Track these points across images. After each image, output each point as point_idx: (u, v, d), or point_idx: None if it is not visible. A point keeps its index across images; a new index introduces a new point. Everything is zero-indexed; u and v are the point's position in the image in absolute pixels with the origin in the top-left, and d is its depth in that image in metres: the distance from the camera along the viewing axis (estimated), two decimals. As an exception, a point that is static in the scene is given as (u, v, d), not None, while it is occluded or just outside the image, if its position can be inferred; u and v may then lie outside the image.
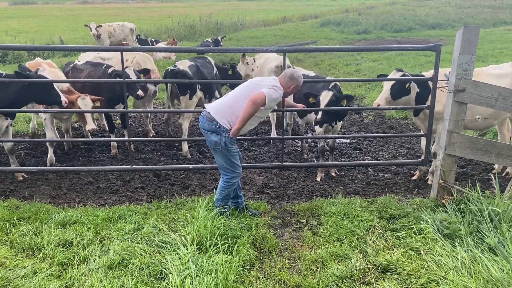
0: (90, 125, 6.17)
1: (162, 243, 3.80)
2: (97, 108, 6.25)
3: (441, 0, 40.06)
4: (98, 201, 5.19)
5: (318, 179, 5.89)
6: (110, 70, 6.61)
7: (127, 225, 4.19)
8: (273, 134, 7.50)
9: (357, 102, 9.85)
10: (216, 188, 4.46)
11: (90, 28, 16.62)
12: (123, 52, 5.42)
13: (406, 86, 5.34)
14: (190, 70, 6.70)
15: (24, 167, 5.99)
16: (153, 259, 3.54)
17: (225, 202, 4.33)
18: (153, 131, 7.93)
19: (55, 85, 5.56)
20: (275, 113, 7.31)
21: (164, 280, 3.30)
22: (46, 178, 5.86)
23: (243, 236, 3.94)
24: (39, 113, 6.37)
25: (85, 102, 5.99)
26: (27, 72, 5.63)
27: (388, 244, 3.81)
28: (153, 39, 17.52)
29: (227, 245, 3.73)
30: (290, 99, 6.47)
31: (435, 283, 3.17)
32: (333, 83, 5.63)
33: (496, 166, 5.96)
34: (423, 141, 5.67)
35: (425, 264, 3.41)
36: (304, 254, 3.79)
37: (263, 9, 43.67)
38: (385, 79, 5.52)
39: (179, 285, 3.16)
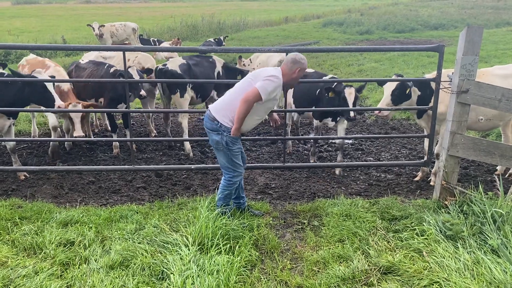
0: (78, 132, 6.18)
1: (164, 243, 3.79)
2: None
3: (443, 1, 39.97)
4: (100, 201, 5.19)
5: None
6: (112, 70, 6.62)
7: (129, 225, 4.19)
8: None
9: (359, 102, 9.83)
10: (218, 188, 4.45)
11: (93, 28, 16.64)
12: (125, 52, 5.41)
13: (407, 92, 5.33)
14: (180, 69, 6.73)
15: (26, 167, 5.99)
16: (155, 259, 3.54)
17: (227, 201, 4.31)
18: (155, 131, 7.93)
19: (56, 85, 5.54)
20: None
21: (166, 280, 3.29)
22: (48, 177, 5.87)
23: (244, 236, 3.94)
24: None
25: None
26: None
27: (390, 245, 3.80)
28: (155, 39, 17.51)
29: (228, 245, 3.73)
30: (289, 95, 6.52)
31: (438, 285, 3.16)
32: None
33: (499, 168, 5.93)
34: (426, 142, 5.65)
35: (427, 266, 3.39)
36: (306, 255, 3.77)
37: (265, 9, 43.66)
38: (388, 80, 5.52)
39: (180, 286, 3.15)
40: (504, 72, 5.38)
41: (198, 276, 3.24)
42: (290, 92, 6.66)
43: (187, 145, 6.80)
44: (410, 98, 5.42)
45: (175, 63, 6.86)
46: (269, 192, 5.52)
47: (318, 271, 3.54)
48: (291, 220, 4.51)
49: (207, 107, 8.27)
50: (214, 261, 3.44)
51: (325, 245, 3.89)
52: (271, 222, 4.42)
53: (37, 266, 3.50)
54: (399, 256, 3.54)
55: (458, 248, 3.55)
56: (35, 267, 3.48)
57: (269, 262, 3.70)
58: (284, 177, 6.01)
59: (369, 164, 6.19)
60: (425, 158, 5.55)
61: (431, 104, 5.20)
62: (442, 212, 4.21)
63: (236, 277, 3.34)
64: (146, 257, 3.57)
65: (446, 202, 4.41)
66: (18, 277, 3.34)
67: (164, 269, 3.39)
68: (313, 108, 6.15)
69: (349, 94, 5.60)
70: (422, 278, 3.26)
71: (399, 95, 5.37)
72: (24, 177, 5.82)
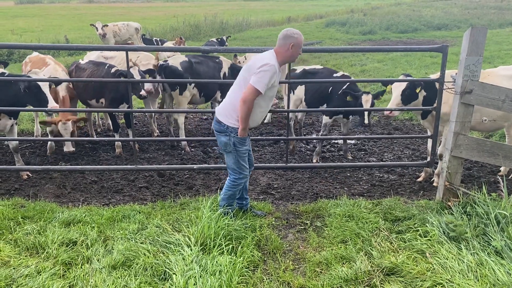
0: (68, 148, 6.30)
1: (166, 243, 3.79)
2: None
3: (446, 1, 39.87)
4: (102, 201, 5.19)
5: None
6: (113, 70, 6.60)
7: (131, 225, 4.18)
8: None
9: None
10: (220, 189, 4.44)
11: (96, 28, 16.67)
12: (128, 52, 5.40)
13: (418, 91, 5.33)
14: (182, 66, 6.73)
15: (28, 166, 6.01)
16: (157, 259, 3.53)
17: (230, 202, 4.30)
18: (157, 131, 7.93)
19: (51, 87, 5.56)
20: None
21: (168, 280, 3.29)
22: (51, 177, 5.88)
23: (247, 237, 3.93)
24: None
25: (65, 127, 6.12)
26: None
27: (393, 246, 3.78)
28: (158, 39, 17.52)
29: (231, 246, 3.72)
30: (300, 92, 6.60)
31: (441, 287, 3.14)
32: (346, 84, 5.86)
33: (502, 169, 5.91)
34: (429, 142, 5.64)
35: (430, 267, 3.37)
36: (309, 255, 3.76)
37: (268, 9, 43.65)
38: (395, 80, 5.55)
39: (182, 286, 3.15)
40: (510, 73, 5.37)
41: (200, 276, 3.24)
42: (301, 88, 6.66)
43: (183, 142, 6.94)
44: (417, 98, 5.42)
45: (176, 60, 6.86)
46: (272, 192, 5.51)
47: (321, 272, 3.53)
48: (294, 221, 4.50)
49: (211, 107, 8.32)
50: (216, 262, 3.43)
51: (328, 246, 3.88)
52: (273, 222, 4.41)
53: (40, 265, 3.50)
54: (402, 257, 3.53)
55: (461, 249, 3.53)
56: (37, 266, 3.48)
57: (272, 262, 3.70)
58: (286, 177, 6.00)
59: (372, 164, 6.18)
60: (428, 159, 5.53)
61: (435, 105, 5.19)
62: (445, 213, 4.19)
63: (239, 277, 3.34)
64: (148, 257, 3.57)
65: (449, 203, 4.39)
66: (21, 276, 3.35)
67: (167, 269, 3.39)
68: (320, 108, 6.24)
69: (366, 101, 5.67)
70: (425, 280, 3.24)
71: (409, 95, 5.37)
72: (27, 177, 5.83)
